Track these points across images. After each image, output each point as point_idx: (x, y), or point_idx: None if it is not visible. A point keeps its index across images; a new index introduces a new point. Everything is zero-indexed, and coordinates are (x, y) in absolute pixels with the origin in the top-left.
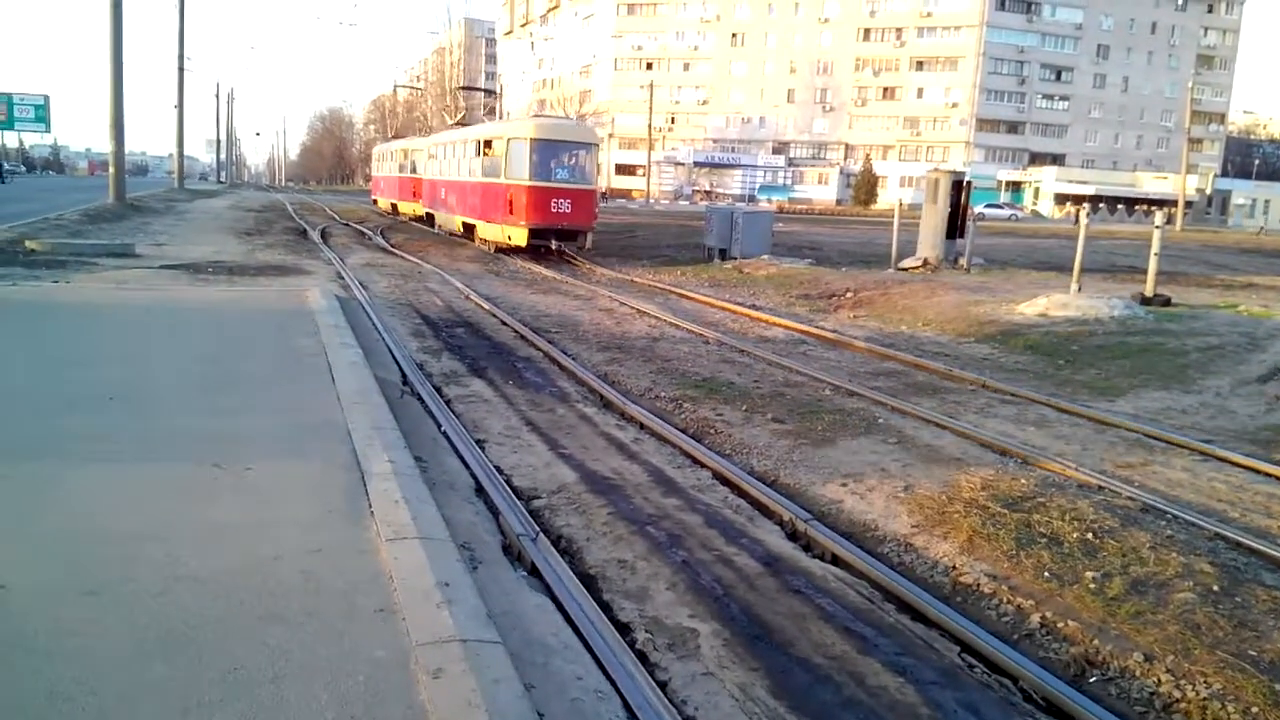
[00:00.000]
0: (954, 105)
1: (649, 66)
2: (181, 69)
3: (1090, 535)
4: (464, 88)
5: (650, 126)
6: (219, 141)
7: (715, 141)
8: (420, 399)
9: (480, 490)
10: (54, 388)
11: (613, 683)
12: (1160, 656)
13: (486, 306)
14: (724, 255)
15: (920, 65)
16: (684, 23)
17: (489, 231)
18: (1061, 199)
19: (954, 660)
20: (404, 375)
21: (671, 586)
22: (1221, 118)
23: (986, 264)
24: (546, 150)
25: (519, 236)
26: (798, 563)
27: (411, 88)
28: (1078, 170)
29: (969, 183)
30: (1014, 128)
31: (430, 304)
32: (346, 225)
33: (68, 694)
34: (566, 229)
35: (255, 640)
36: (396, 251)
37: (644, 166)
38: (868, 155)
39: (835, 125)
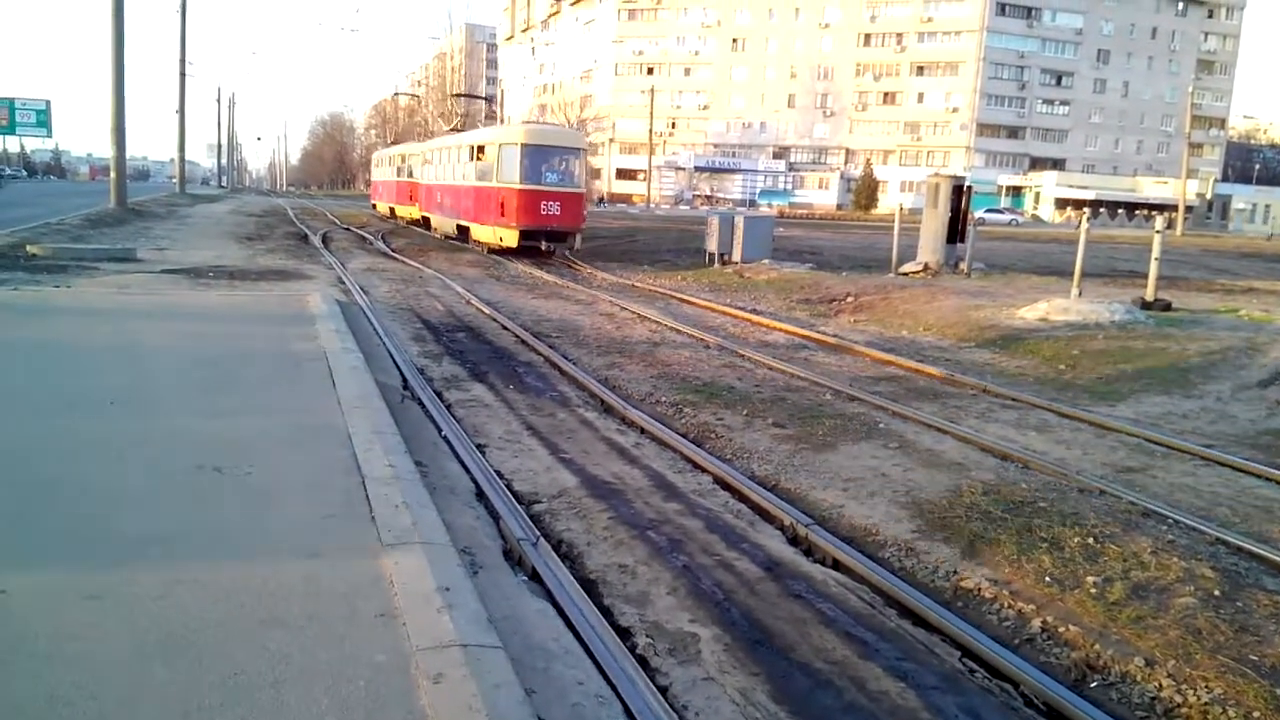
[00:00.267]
0: (954, 110)
1: (650, 71)
2: (183, 74)
3: (1091, 540)
4: (458, 95)
5: (651, 131)
6: (220, 146)
7: (716, 146)
8: (421, 403)
9: (481, 495)
10: (54, 391)
11: (613, 688)
12: (1161, 661)
13: (487, 311)
14: (724, 260)
15: (921, 70)
16: (685, 28)
17: (482, 233)
18: (1062, 204)
19: (955, 665)
20: (405, 379)
21: (672, 591)
22: (1222, 122)
23: (987, 269)
24: (536, 155)
25: (510, 238)
26: (799, 567)
27: (412, 95)
28: (1078, 175)
29: (969, 187)
30: (1014, 133)
31: (431, 308)
32: (348, 230)
33: (67, 698)
34: (556, 230)
35: (255, 644)
36: (398, 256)
37: (645, 171)
38: (868, 160)
39: (836, 130)
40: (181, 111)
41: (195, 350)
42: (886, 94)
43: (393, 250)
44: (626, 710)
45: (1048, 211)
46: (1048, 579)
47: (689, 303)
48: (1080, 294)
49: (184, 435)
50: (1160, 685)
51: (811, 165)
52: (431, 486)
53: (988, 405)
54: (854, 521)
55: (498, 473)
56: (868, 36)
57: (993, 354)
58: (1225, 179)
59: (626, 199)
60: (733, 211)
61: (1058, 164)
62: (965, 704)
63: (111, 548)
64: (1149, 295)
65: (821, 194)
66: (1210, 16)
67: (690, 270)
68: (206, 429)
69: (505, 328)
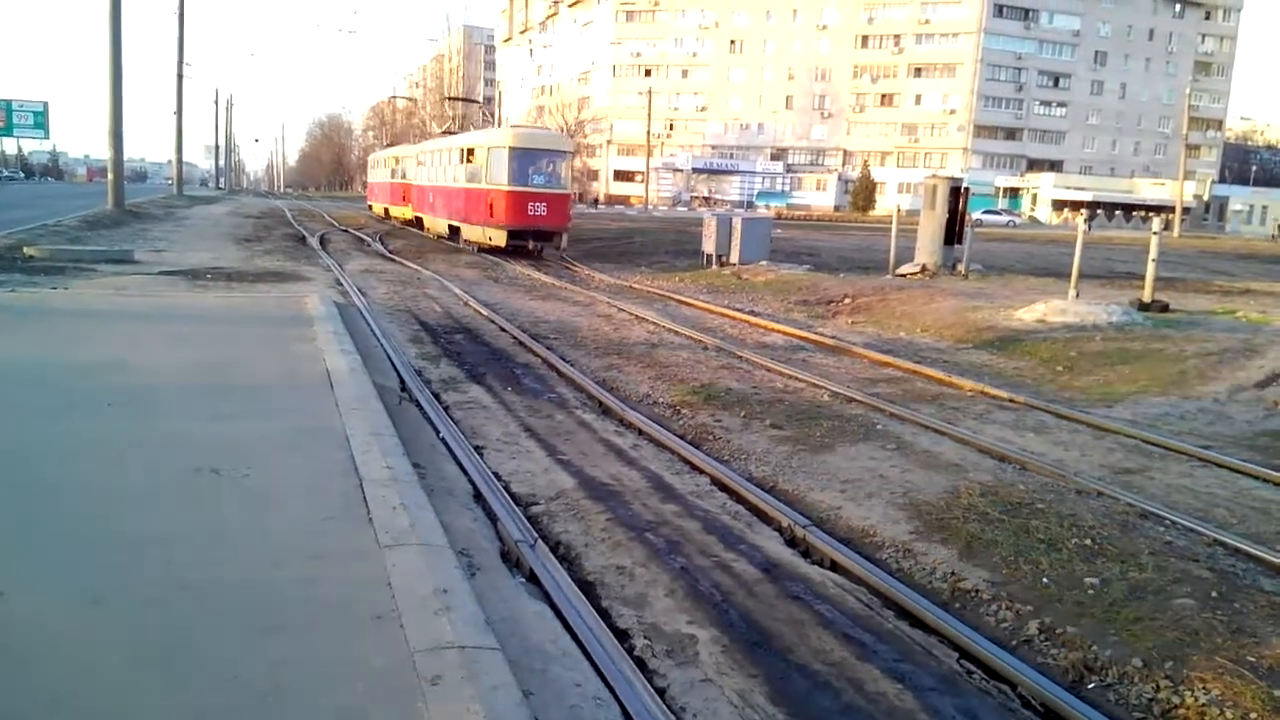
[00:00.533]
0: (952, 112)
1: (648, 73)
2: (181, 75)
3: (1089, 541)
4: (452, 98)
5: (649, 133)
6: (218, 148)
7: (714, 148)
8: (419, 405)
9: (479, 497)
10: (52, 392)
11: (611, 690)
12: (1159, 662)
13: (485, 313)
14: (722, 261)
15: (918, 72)
16: (683, 30)
17: (472, 233)
18: (1059, 205)
19: (952, 666)
20: (402, 381)
21: (670, 593)
22: (1219, 124)
23: (984, 270)
24: (524, 158)
25: (499, 237)
26: (796, 569)
27: (409, 99)
28: (1075, 176)
29: (967, 189)
30: (1012, 134)
31: (429, 310)
32: (345, 231)
33: (65, 702)
34: (543, 230)
35: (254, 646)
36: (395, 258)
37: (642, 173)
38: (866, 161)
39: (833, 131)
40: (179, 113)
41: (193, 352)
42: (884, 95)
43: (390, 252)
44: (624, 712)
45: (1045, 213)
46: (1045, 580)
47: (687, 304)
48: (1078, 295)
49: (182, 437)
50: (1158, 686)
51: (809, 167)
52: (429, 488)
53: (985, 406)
54: (852, 523)
55: (495, 474)
56: (865, 38)
57: (990, 355)
58: (1222, 180)
59: (624, 200)
60: (730, 213)
61: (1055, 165)
62: (963, 705)
63: (111, 549)
64: (1146, 296)
65: (819, 195)
66: (1207, 18)
67: (688, 272)
68: (205, 431)
69: (503, 329)
